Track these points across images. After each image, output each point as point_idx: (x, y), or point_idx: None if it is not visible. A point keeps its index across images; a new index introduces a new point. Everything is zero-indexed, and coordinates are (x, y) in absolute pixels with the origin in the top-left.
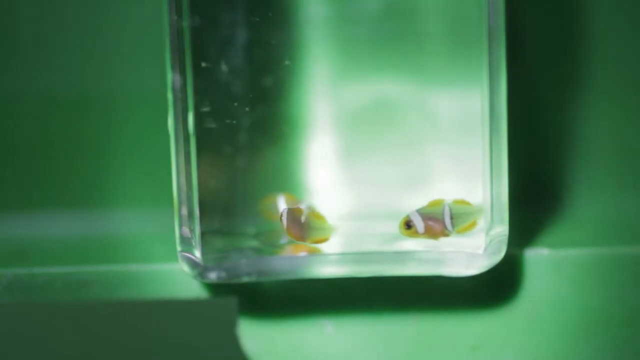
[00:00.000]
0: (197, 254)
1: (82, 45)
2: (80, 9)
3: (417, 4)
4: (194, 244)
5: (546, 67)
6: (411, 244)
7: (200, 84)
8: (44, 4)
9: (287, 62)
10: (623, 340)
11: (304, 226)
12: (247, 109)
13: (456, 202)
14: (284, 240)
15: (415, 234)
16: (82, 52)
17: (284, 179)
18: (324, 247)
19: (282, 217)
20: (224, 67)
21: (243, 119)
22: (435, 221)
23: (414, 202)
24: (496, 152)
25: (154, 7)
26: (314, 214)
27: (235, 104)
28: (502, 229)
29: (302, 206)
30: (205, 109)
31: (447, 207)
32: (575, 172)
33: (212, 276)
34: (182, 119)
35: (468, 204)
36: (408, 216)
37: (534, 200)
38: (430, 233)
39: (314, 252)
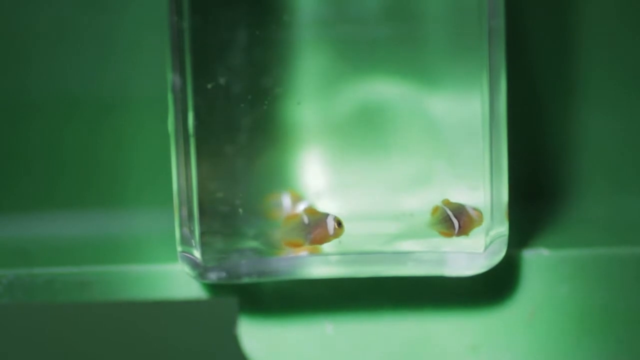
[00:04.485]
0: (197, 254)
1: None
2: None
3: (417, 5)
4: (194, 244)
5: (546, 68)
6: (411, 244)
7: (200, 84)
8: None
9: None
10: (623, 340)
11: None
12: (246, 109)
13: (445, 202)
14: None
15: (452, 230)
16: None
17: (284, 179)
18: (324, 247)
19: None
20: (223, 68)
21: (243, 120)
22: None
23: (413, 202)
24: (496, 152)
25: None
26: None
27: (235, 104)
28: (502, 229)
29: (304, 205)
30: (205, 109)
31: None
32: (575, 172)
33: (213, 276)
34: (182, 120)
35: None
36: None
37: (534, 201)
38: (466, 226)
39: (314, 253)
